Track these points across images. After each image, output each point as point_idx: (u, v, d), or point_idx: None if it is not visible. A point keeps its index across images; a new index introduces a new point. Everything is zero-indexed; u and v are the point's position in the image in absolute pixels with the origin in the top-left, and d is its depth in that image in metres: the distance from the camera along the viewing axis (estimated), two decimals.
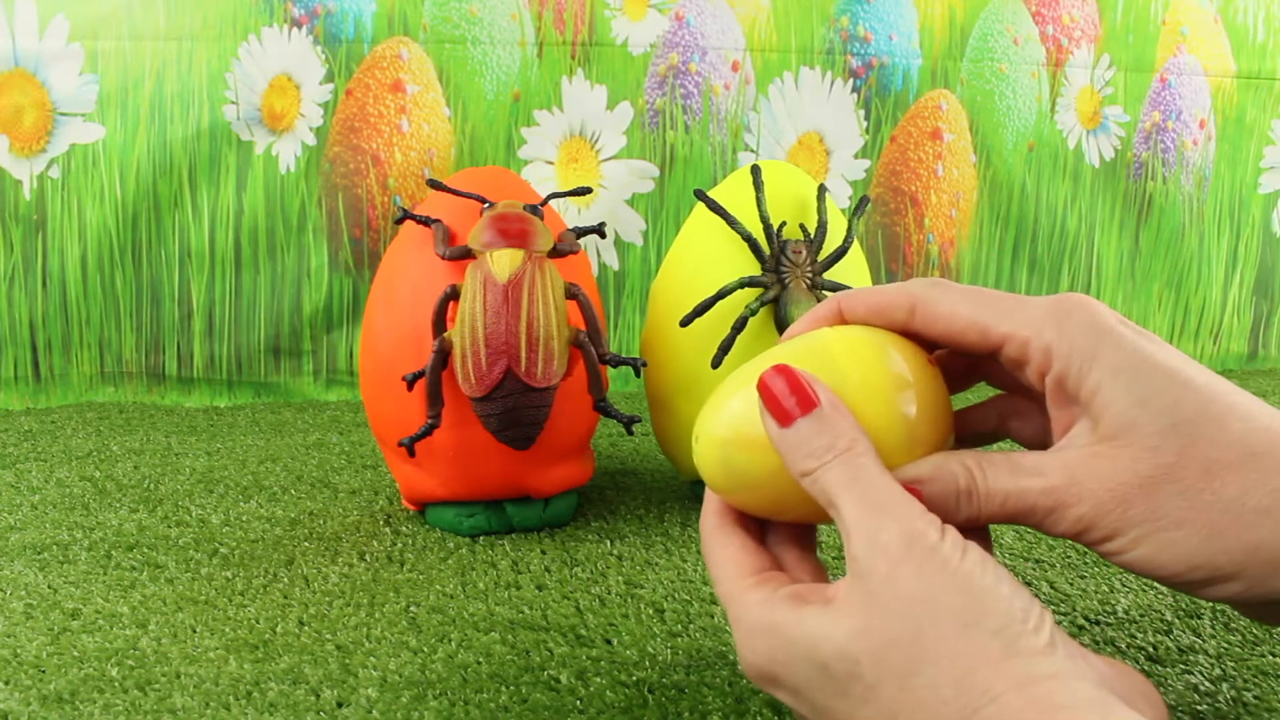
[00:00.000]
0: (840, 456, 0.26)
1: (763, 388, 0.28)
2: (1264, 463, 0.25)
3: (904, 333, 0.30)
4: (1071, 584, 0.45)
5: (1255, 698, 0.35)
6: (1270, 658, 0.38)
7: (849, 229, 0.53)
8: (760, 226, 0.52)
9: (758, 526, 0.31)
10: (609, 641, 0.39)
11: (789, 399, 0.27)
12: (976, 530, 0.31)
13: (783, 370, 0.27)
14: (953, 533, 0.26)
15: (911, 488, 0.27)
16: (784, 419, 0.27)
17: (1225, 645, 0.39)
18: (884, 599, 0.24)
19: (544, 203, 0.52)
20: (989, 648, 0.23)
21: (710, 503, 0.31)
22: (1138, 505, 0.25)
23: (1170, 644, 0.39)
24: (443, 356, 0.47)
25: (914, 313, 0.29)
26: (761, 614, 0.27)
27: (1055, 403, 0.28)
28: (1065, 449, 0.27)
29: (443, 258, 0.49)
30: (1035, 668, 0.23)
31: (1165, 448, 0.25)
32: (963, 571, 0.24)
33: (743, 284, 0.50)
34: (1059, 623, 0.40)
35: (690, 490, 0.59)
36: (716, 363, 0.50)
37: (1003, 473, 0.27)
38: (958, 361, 0.32)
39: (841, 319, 0.31)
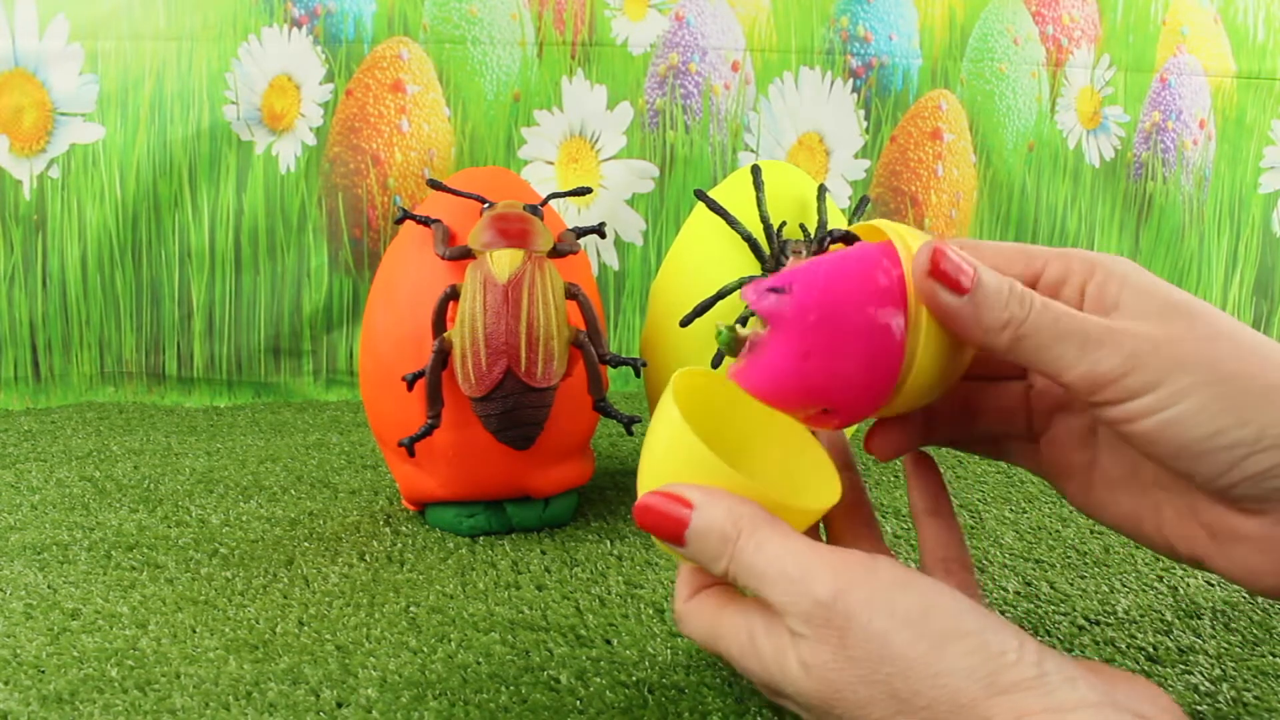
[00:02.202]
0: (736, 546, 0.27)
1: (641, 521, 0.28)
2: None
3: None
4: (1071, 584, 0.45)
5: (1255, 698, 0.35)
6: (1270, 658, 0.38)
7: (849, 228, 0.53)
8: (760, 226, 0.52)
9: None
10: (609, 641, 0.39)
11: (668, 519, 0.28)
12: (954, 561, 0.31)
13: (650, 498, 0.28)
14: (887, 568, 0.25)
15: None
16: (677, 539, 0.28)
17: (1225, 645, 0.39)
18: (841, 667, 0.24)
19: (544, 203, 0.52)
20: (968, 691, 0.23)
21: (682, 587, 0.32)
22: (1193, 356, 0.25)
23: (1170, 644, 0.39)
24: (443, 356, 0.47)
25: (979, 249, 0.30)
26: (748, 640, 0.28)
27: (1097, 310, 0.27)
28: (1112, 317, 0.27)
29: (443, 258, 0.49)
30: (1024, 703, 0.22)
31: (1219, 336, 0.25)
32: (916, 613, 0.24)
33: (743, 284, 0.50)
34: (1059, 623, 0.40)
35: None
36: (716, 362, 0.50)
37: (1049, 304, 0.26)
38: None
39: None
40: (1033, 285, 0.29)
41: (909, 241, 0.28)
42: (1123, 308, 0.26)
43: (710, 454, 0.28)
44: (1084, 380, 0.25)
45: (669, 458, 0.29)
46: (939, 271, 0.26)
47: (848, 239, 0.28)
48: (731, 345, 0.29)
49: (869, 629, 0.24)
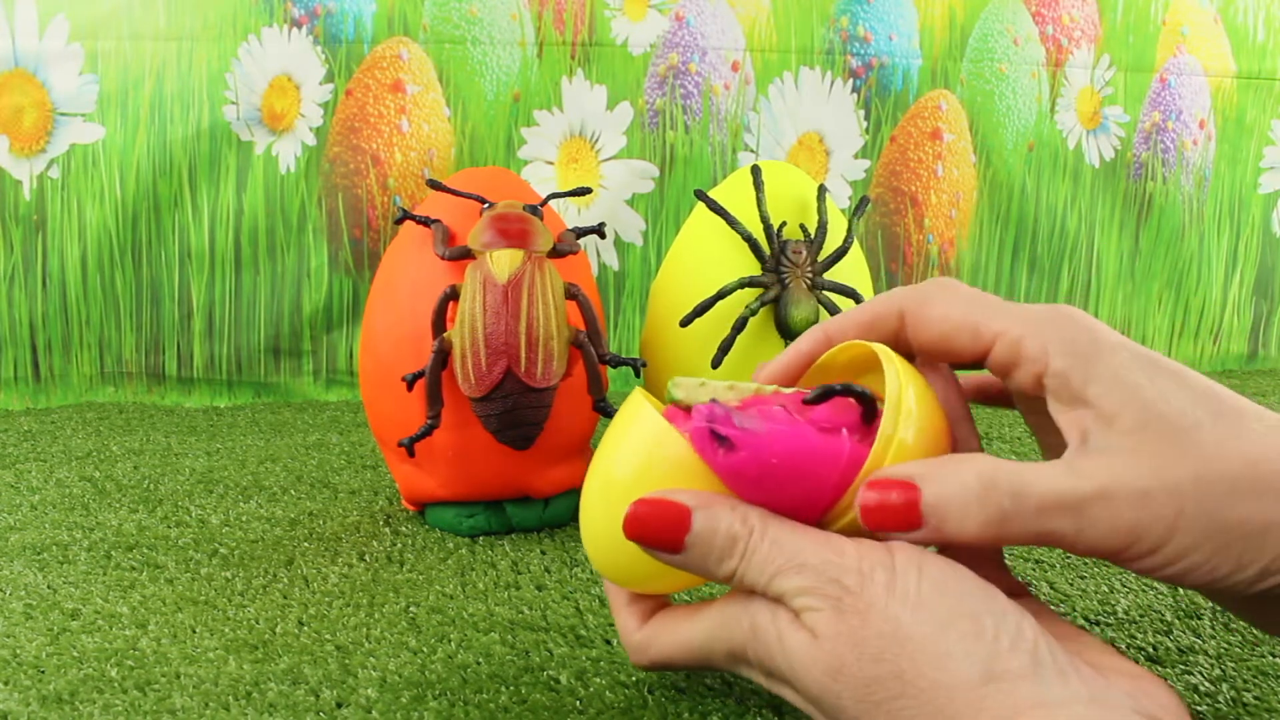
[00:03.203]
0: (749, 544, 0.26)
1: (633, 531, 0.27)
2: None
3: (895, 343, 0.30)
4: (1071, 584, 0.45)
5: (1255, 698, 0.35)
6: (1270, 658, 0.38)
7: (849, 229, 0.53)
8: (760, 226, 0.52)
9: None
10: (609, 642, 0.39)
11: (664, 526, 0.26)
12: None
13: (641, 506, 0.27)
14: (901, 553, 0.25)
15: (907, 485, 0.25)
16: (675, 546, 0.26)
17: (1225, 645, 0.39)
18: (858, 642, 0.24)
19: (544, 203, 0.52)
20: (964, 673, 0.23)
21: (628, 620, 0.32)
22: (1190, 505, 0.23)
23: (1170, 644, 0.39)
24: (442, 356, 0.47)
25: (903, 319, 0.29)
26: (739, 636, 0.28)
27: (1060, 402, 0.26)
28: (1092, 449, 0.25)
29: (442, 258, 0.49)
30: (1016, 694, 0.22)
31: (1198, 435, 0.24)
32: (925, 596, 0.24)
33: (743, 284, 0.50)
34: None
35: None
36: (716, 363, 0.50)
37: (1032, 474, 0.24)
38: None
39: (829, 346, 0.30)
40: (983, 357, 0.28)
41: (901, 402, 0.26)
42: (1092, 405, 0.25)
43: (700, 460, 0.27)
44: (1087, 553, 0.25)
45: (650, 468, 0.28)
46: (879, 521, 0.26)
47: (847, 391, 0.27)
48: (672, 403, 0.28)
49: (886, 612, 0.24)
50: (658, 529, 0.26)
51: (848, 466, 0.26)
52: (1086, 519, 0.24)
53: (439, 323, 0.48)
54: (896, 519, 0.25)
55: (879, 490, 0.25)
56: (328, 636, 0.39)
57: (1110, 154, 1.01)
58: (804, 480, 0.26)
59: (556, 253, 0.50)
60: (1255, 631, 0.40)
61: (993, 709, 0.22)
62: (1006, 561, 0.48)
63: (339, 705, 0.34)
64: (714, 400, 0.27)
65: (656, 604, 0.32)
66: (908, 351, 0.30)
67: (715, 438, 0.26)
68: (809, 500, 0.27)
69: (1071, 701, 0.22)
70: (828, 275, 0.52)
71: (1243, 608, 0.28)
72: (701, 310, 0.50)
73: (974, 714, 0.22)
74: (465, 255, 0.48)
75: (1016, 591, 0.29)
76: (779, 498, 0.26)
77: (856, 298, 0.52)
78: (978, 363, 0.28)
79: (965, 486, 0.24)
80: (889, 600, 0.24)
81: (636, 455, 0.28)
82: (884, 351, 0.28)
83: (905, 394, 0.27)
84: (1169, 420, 0.24)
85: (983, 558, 0.30)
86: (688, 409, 0.27)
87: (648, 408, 0.29)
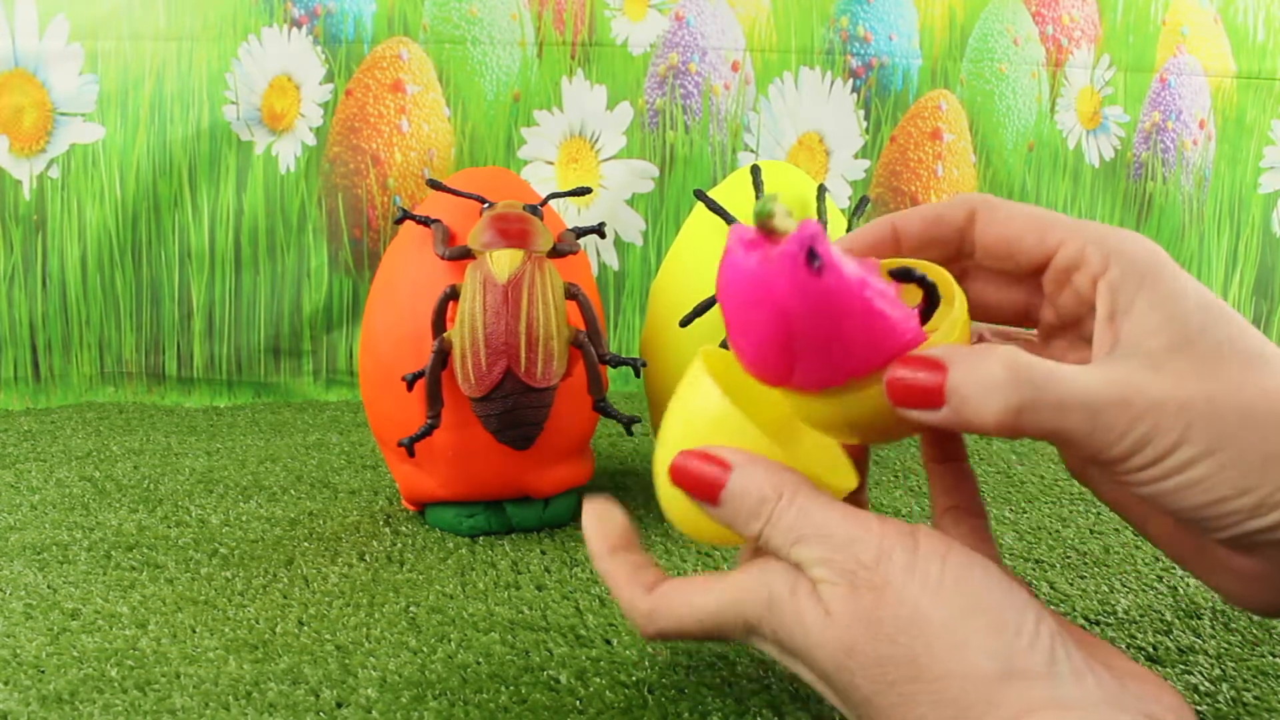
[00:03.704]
0: (776, 508, 0.26)
1: (678, 479, 0.28)
2: None
3: (957, 241, 0.29)
4: (1071, 584, 0.45)
5: (1255, 698, 0.35)
6: (1270, 658, 0.38)
7: (849, 229, 0.53)
8: None
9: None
10: (609, 641, 0.39)
11: (703, 478, 0.27)
12: (970, 525, 0.31)
13: (688, 457, 0.28)
14: (926, 538, 0.25)
15: (935, 366, 0.25)
16: (711, 498, 0.27)
17: (1225, 645, 0.39)
18: (873, 621, 0.24)
19: (544, 203, 0.52)
20: (982, 666, 0.23)
21: (634, 596, 0.31)
22: (1200, 421, 0.23)
23: (1170, 644, 0.39)
24: (442, 356, 0.47)
25: (973, 218, 0.29)
26: (753, 609, 0.27)
27: (1107, 312, 0.26)
28: (1121, 359, 0.25)
29: (442, 258, 0.49)
30: (1031, 692, 0.22)
31: (1229, 368, 0.24)
32: (947, 583, 0.24)
33: None
34: None
35: None
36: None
37: (1056, 371, 0.24)
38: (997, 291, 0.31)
39: (896, 237, 0.30)
40: (1044, 265, 0.28)
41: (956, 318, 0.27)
42: (1134, 320, 0.25)
43: (748, 422, 0.28)
44: (1091, 456, 0.24)
45: (701, 427, 0.29)
46: (903, 398, 0.25)
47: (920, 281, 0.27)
48: (764, 220, 0.25)
49: (903, 593, 0.24)
50: (697, 480, 0.28)
51: (907, 343, 0.26)
52: (1101, 421, 0.24)
53: (439, 323, 0.48)
54: (920, 396, 0.25)
55: (909, 367, 0.25)
56: (328, 636, 0.39)
57: (1110, 154, 1.01)
58: (865, 336, 0.25)
59: (556, 253, 0.50)
60: (1255, 631, 0.40)
61: (1007, 705, 0.22)
62: (1006, 563, 0.48)
63: (339, 705, 0.34)
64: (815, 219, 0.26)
65: (661, 576, 0.31)
66: (969, 251, 0.30)
67: (810, 257, 0.24)
68: (855, 358, 0.26)
69: (1086, 703, 0.22)
70: None
71: (1205, 557, 0.28)
72: (701, 310, 0.50)
73: (987, 708, 0.22)
74: (465, 255, 0.48)
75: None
76: (832, 341, 0.25)
77: None
78: (1036, 271, 0.28)
79: (991, 372, 0.24)
80: (907, 582, 0.24)
81: (690, 415, 0.30)
82: (934, 269, 0.29)
83: (961, 304, 0.28)
84: (1201, 348, 0.24)
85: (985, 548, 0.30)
86: (772, 233, 0.26)
87: (700, 374, 0.30)
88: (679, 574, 0.46)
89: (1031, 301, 0.30)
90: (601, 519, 0.33)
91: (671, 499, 0.30)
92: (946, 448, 0.32)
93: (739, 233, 0.26)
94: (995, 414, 0.24)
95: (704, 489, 0.27)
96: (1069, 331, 0.29)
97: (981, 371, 0.24)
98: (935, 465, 0.32)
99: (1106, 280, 0.26)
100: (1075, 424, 0.24)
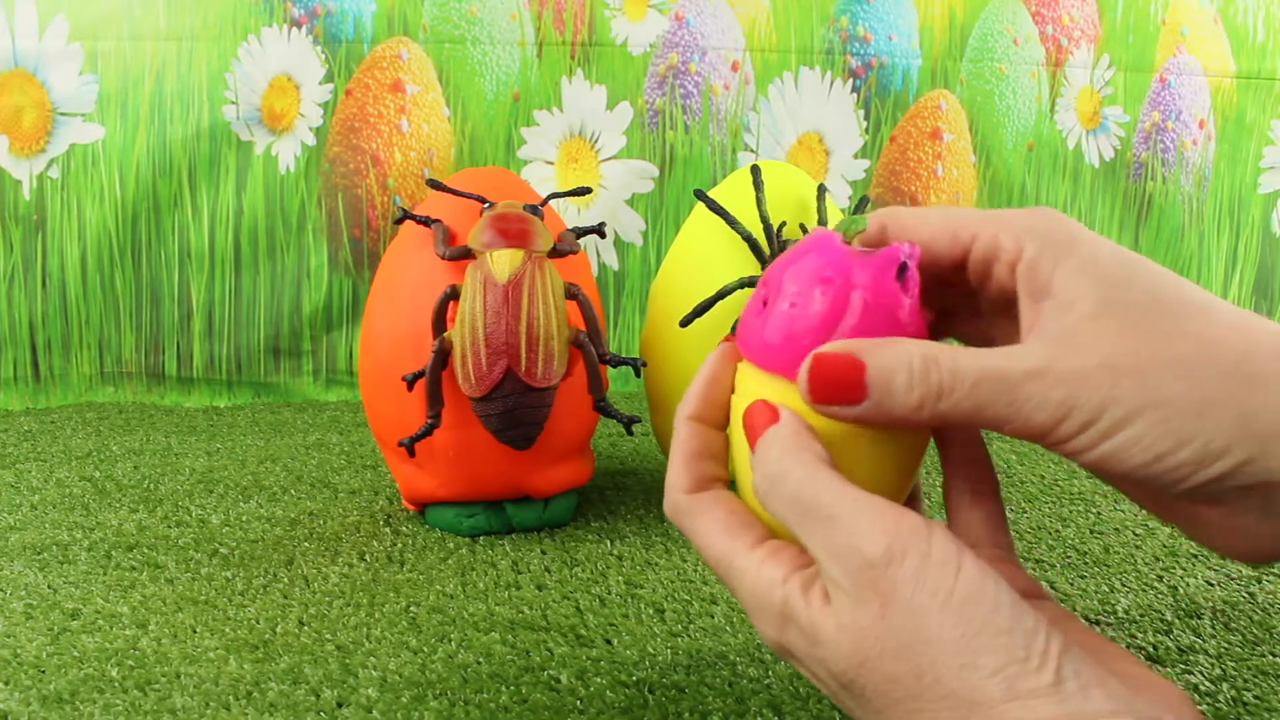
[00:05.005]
0: (940, 373, 0.25)
1: (816, 384, 0.26)
2: (1256, 329, 0.24)
3: None
4: (1071, 584, 0.45)
5: (1255, 698, 0.35)
6: (1270, 658, 0.38)
7: None
8: (760, 226, 0.52)
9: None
10: (609, 641, 0.39)
11: (842, 372, 0.25)
12: (986, 518, 0.30)
13: (816, 362, 0.26)
14: (941, 539, 0.24)
15: (852, 361, 0.25)
16: (856, 391, 0.25)
17: (1225, 645, 0.39)
18: (878, 634, 0.24)
19: (544, 203, 0.52)
20: (986, 691, 0.22)
21: (680, 477, 0.29)
22: (1126, 380, 0.23)
23: (1170, 644, 0.39)
24: (443, 356, 0.47)
25: (885, 230, 0.28)
26: (773, 593, 0.26)
27: (1027, 293, 0.26)
28: (1041, 334, 0.25)
29: (443, 258, 0.49)
30: (1038, 711, 0.22)
31: (1151, 321, 0.24)
32: (957, 598, 0.23)
33: (743, 284, 0.50)
34: None
35: None
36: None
37: (971, 355, 0.24)
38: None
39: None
40: (962, 260, 0.27)
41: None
42: (1055, 293, 0.25)
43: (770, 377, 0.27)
44: (1023, 433, 0.24)
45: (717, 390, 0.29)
46: (825, 395, 0.25)
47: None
48: (850, 228, 0.27)
49: (911, 603, 0.23)
50: (835, 378, 0.25)
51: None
52: (1020, 395, 0.24)
53: (439, 323, 0.48)
54: (841, 391, 0.25)
55: (825, 364, 0.25)
56: (328, 636, 0.39)
57: (1110, 154, 1.01)
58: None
59: (556, 253, 0.50)
60: (1255, 631, 0.40)
61: None
62: None
63: (339, 705, 0.34)
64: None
65: (714, 474, 0.29)
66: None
67: (901, 270, 0.26)
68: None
69: (1097, 716, 0.22)
70: None
71: (1179, 513, 0.27)
72: (701, 310, 0.50)
73: None
74: (465, 255, 0.48)
75: (1033, 592, 0.28)
76: (869, 335, 0.26)
77: None
78: (958, 269, 0.28)
79: (908, 362, 0.25)
80: (915, 591, 0.24)
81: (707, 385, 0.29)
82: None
83: None
84: (1125, 306, 0.24)
85: (998, 553, 0.29)
86: (851, 241, 0.27)
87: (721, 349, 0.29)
88: (678, 575, 0.46)
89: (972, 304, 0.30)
90: (710, 388, 0.30)
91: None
92: (981, 477, 0.31)
93: (841, 249, 0.27)
94: (915, 401, 0.24)
95: (845, 384, 0.25)
96: (1003, 321, 0.29)
97: (898, 362, 0.25)
98: (961, 499, 0.31)
99: (1024, 262, 0.26)
100: (995, 402, 0.24)
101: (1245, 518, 0.25)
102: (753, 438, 0.27)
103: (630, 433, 0.51)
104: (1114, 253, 0.25)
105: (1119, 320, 0.24)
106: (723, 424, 0.30)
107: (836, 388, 0.25)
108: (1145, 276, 0.25)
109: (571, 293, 0.49)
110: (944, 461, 0.31)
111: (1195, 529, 0.27)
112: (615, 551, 0.49)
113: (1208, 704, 0.34)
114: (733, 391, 0.29)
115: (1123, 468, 0.24)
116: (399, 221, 0.51)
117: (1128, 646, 0.39)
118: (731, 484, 0.29)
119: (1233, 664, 0.37)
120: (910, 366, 0.25)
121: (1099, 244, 0.25)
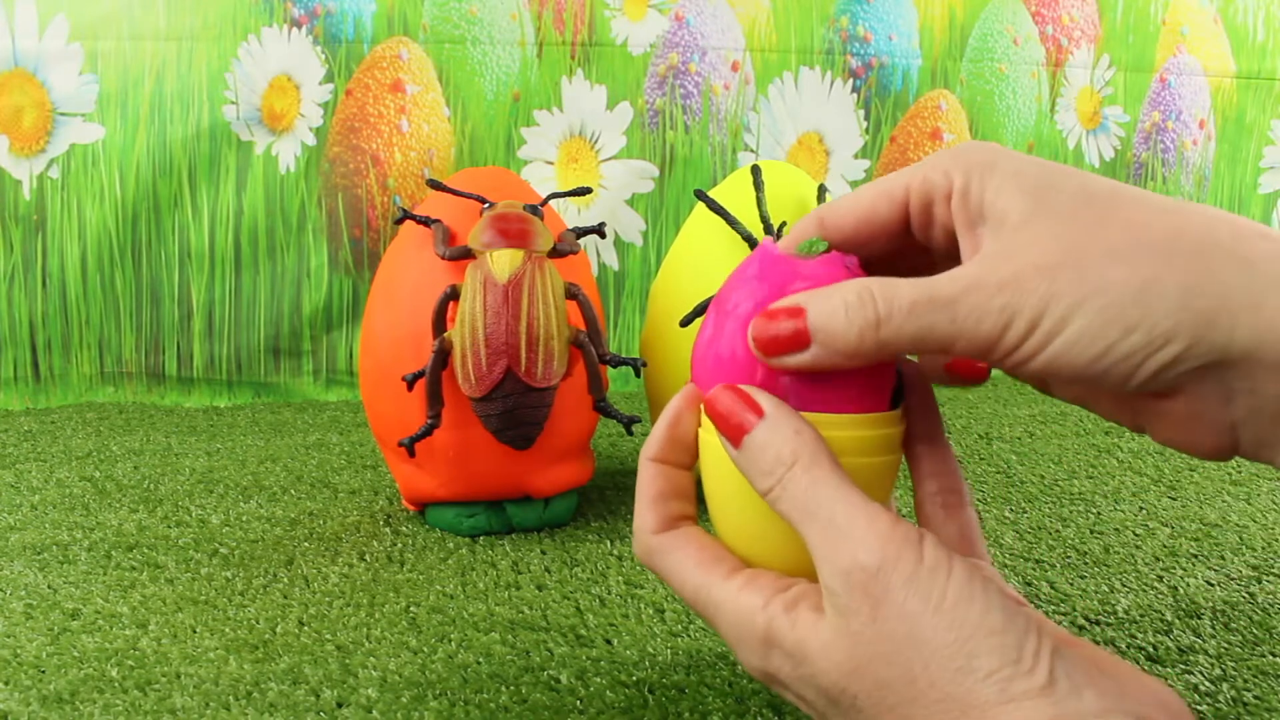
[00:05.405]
0: (789, 473, 0.25)
1: (710, 410, 0.27)
2: (1187, 211, 0.24)
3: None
4: (1071, 584, 0.45)
5: (1255, 698, 0.35)
6: (1270, 658, 0.38)
7: None
8: (760, 226, 0.52)
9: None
10: (609, 642, 0.39)
11: (735, 416, 0.26)
12: (961, 534, 0.30)
13: (724, 391, 0.27)
14: (932, 546, 0.24)
15: (794, 309, 0.25)
16: (734, 439, 0.26)
17: (1225, 645, 0.39)
18: (870, 639, 0.24)
19: (544, 203, 0.52)
20: (981, 693, 0.23)
21: (647, 519, 0.29)
22: (1064, 274, 0.23)
23: (1170, 644, 0.39)
24: (443, 356, 0.47)
25: (822, 222, 0.28)
26: (754, 619, 0.26)
27: (964, 223, 0.26)
28: (979, 253, 0.25)
29: (443, 258, 0.49)
30: (1032, 713, 0.22)
31: (1083, 216, 0.24)
32: (949, 602, 0.23)
33: None
34: (1059, 623, 0.40)
35: None
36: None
37: (909, 283, 0.25)
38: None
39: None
40: (905, 219, 0.28)
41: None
42: (987, 215, 0.25)
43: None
44: (971, 350, 0.24)
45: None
46: (773, 347, 0.26)
47: None
48: (811, 249, 0.28)
49: (904, 608, 0.23)
50: (727, 420, 0.26)
51: None
52: (960, 311, 0.24)
53: (439, 323, 0.48)
54: (787, 342, 0.26)
55: (769, 318, 0.26)
56: (328, 636, 0.39)
57: (1110, 154, 1.01)
58: None
59: (556, 253, 0.50)
60: (1255, 631, 0.40)
61: None
62: (1006, 564, 0.48)
63: (339, 705, 0.34)
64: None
65: (681, 511, 0.30)
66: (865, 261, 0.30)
67: (847, 263, 0.27)
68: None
69: (1087, 715, 0.22)
70: None
71: (1142, 412, 0.27)
72: (701, 310, 0.50)
73: None
74: (465, 255, 0.48)
75: (1014, 599, 0.28)
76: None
77: None
78: (905, 231, 0.28)
79: (845, 300, 0.25)
80: (908, 596, 0.24)
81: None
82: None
83: None
84: (1054, 207, 0.24)
85: (975, 562, 0.29)
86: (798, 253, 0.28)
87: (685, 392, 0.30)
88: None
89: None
90: (673, 429, 0.30)
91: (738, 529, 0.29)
92: (931, 424, 0.31)
93: (779, 259, 0.28)
94: (857, 336, 0.25)
95: (730, 430, 0.26)
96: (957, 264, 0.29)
97: (835, 301, 0.25)
98: (920, 445, 0.30)
99: (955, 193, 0.26)
100: (935, 322, 0.24)
101: (1205, 403, 0.24)
102: (727, 425, 0.27)
103: (630, 433, 0.51)
104: (1039, 162, 0.26)
105: (1050, 220, 0.24)
106: (688, 463, 0.30)
107: (783, 337, 0.26)
108: (1076, 177, 0.25)
109: (571, 293, 0.49)
110: (914, 475, 0.31)
111: (1160, 427, 0.26)
112: (615, 551, 0.49)
113: (1208, 704, 0.34)
114: (699, 425, 0.29)
115: (1073, 368, 0.24)
116: (399, 221, 0.51)
117: (1127, 647, 0.39)
118: (702, 518, 0.29)
119: (1233, 664, 0.37)
120: (846, 301, 0.25)
121: (1023, 158, 0.26)
